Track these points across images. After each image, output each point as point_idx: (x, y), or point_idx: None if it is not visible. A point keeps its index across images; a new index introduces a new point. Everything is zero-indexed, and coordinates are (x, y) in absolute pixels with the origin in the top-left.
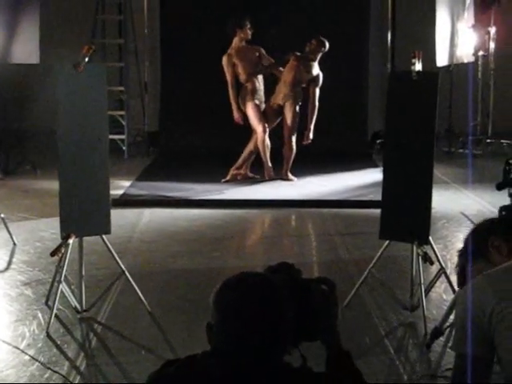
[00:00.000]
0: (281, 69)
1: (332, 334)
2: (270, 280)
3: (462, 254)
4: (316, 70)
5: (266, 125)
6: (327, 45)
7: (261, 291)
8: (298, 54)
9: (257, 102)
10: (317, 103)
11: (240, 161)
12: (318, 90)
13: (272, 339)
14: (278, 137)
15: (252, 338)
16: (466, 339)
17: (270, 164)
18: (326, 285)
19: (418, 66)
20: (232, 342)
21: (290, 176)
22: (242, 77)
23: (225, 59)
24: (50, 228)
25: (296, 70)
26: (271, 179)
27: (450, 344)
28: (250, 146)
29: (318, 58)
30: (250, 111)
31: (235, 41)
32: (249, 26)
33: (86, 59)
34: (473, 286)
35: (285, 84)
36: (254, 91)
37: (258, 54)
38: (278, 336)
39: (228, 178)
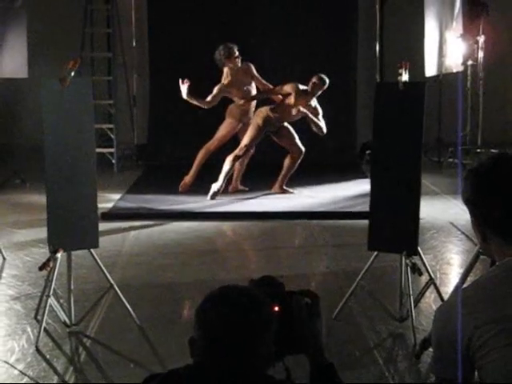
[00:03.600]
0: (277, 88)
1: (315, 347)
2: (253, 294)
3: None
4: (314, 102)
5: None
6: (327, 82)
7: (242, 306)
8: (299, 87)
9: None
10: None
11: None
12: (320, 118)
13: (254, 353)
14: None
15: (234, 352)
16: (444, 362)
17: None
18: (309, 297)
19: (405, 77)
20: (213, 355)
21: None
22: (239, 99)
23: (217, 89)
24: (38, 242)
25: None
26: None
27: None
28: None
29: (318, 94)
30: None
31: (226, 72)
32: (236, 54)
33: (72, 73)
34: (448, 307)
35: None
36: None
37: (250, 76)
38: (261, 349)
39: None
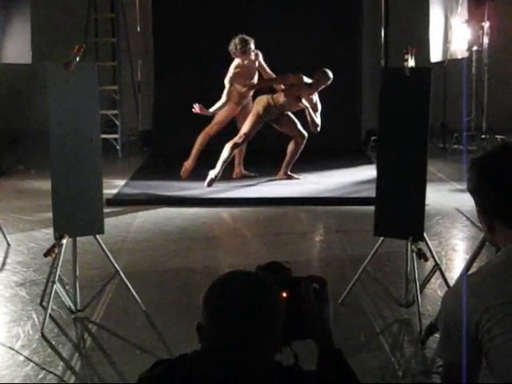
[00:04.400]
0: (281, 78)
1: (323, 332)
2: (261, 278)
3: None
4: (315, 97)
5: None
6: (331, 77)
7: (250, 290)
8: (304, 79)
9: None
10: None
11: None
12: (318, 115)
13: (262, 339)
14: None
15: (242, 338)
16: (451, 346)
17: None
18: (316, 283)
19: (411, 62)
20: (221, 341)
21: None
22: (242, 87)
23: (228, 84)
24: (43, 228)
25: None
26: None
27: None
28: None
29: (321, 88)
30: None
31: (237, 63)
32: (252, 48)
33: (77, 59)
34: (455, 292)
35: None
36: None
37: (257, 64)
38: (269, 335)
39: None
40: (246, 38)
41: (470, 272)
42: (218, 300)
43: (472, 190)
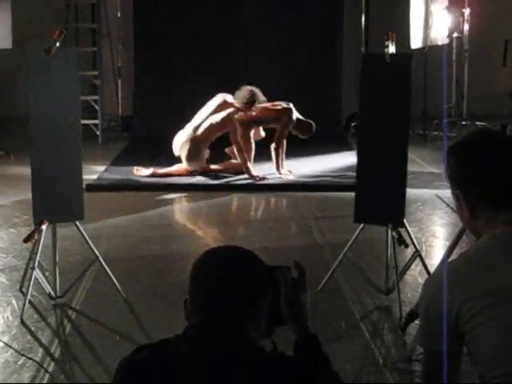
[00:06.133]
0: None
1: (300, 319)
2: (251, 252)
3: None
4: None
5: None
6: (312, 133)
7: (239, 260)
8: (292, 117)
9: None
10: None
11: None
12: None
13: (248, 314)
14: None
15: (227, 311)
16: (431, 335)
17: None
18: (296, 270)
19: (392, 48)
20: (207, 314)
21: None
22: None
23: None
24: (23, 214)
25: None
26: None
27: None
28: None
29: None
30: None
31: (241, 117)
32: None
33: (58, 44)
34: (436, 279)
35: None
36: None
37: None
38: (255, 313)
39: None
40: (257, 93)
41: (450, 259)
42: (205, 269)
43: (451, 176)
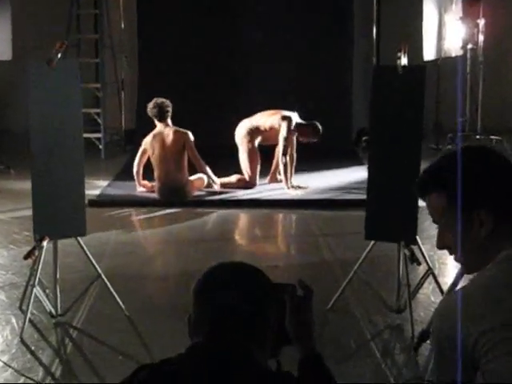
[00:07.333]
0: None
1: (303, 339)
2: (257, 268)
3: None
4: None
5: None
6: (320, 134)
7: (244, 276)
8: (293, 125)
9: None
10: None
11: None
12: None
13: (251, 331)
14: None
15: (229, 326)
16: (446, 368)
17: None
18: (303, 290)
19: (404, 60)
20: (211, 332)
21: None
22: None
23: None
24: (23, 230)
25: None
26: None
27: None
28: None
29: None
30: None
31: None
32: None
33: (59, 55)
34: (448, 310)
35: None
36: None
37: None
38: (261, 330)
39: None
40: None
41: (462, 285)
42: (209, 285)
43: (475, 191)
